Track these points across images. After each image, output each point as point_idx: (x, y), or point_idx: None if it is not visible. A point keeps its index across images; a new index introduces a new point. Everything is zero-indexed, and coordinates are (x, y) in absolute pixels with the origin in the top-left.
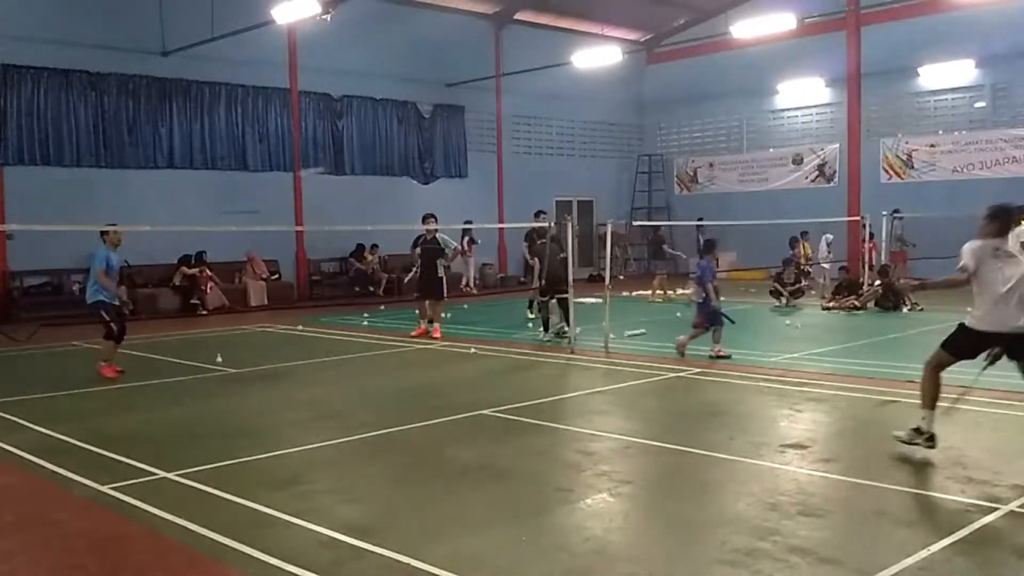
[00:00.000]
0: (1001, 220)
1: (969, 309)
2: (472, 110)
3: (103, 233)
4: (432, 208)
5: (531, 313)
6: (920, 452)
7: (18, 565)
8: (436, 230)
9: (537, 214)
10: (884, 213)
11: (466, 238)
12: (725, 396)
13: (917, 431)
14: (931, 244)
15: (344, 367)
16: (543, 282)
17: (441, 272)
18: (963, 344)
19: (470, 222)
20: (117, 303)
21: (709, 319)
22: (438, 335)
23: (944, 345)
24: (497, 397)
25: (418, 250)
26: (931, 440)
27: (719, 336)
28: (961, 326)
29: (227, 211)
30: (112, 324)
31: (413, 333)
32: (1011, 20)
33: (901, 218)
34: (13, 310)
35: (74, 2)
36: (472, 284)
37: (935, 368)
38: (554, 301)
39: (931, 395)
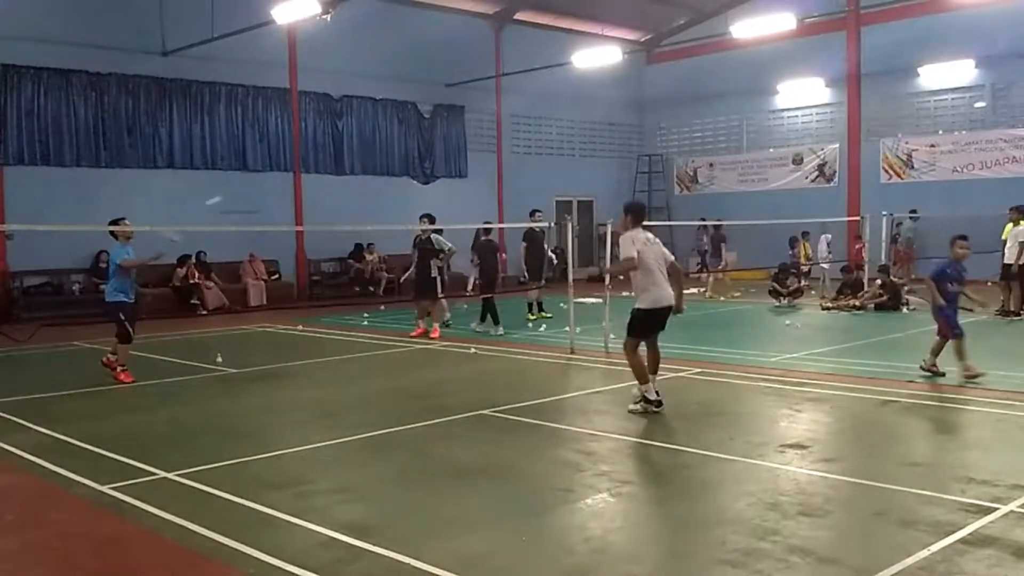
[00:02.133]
0: (634, 213)
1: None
2: (472, 110)
3: (112, 234)
4: (432, 208)
5: (531, 315)
6: (920, 453)
7: (18, 565)
8: (431, 230)
9: (532, 213)
10: (885, 213)
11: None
12: (725, 396)
13: (646, 401)
14: (931, 244)
15: (344, 367)
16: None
17: (435, 272)
18: (645, 325)
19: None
20: (134, 302)
21: (949, 326)
22: (437, 335)
23: (631, 332)
24: (497, 397)
25: (416, 251)
26: (659, 404)
27: (962, 350)
28: (636, 311)
29: (227, 211)
30: (128, 325)
31: (413, 333)
32: (1011, 20)
33: (917, 218)
34: (13, 310)
35: (74, 2)
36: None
37: (633, 350)
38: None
39: (641, 372)
